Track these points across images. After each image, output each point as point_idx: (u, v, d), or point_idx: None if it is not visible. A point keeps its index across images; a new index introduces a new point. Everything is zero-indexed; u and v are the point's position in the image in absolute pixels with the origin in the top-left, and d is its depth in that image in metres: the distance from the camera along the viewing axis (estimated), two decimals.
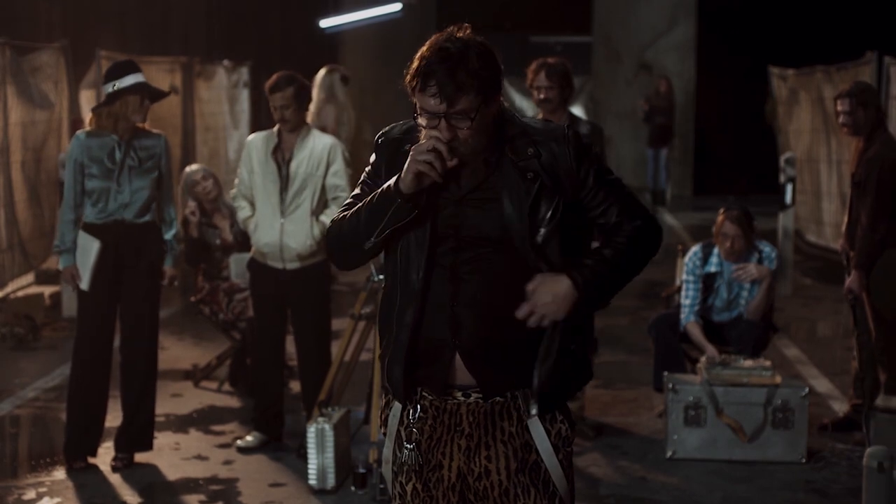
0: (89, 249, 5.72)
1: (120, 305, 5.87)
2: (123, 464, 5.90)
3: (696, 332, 6.52)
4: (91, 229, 5.74)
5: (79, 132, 5.85)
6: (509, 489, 2.97)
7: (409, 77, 2.88)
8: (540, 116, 6.29)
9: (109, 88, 5.67)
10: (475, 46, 2.85)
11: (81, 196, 5.75)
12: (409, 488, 3.04)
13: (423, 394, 3.02)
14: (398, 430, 3.06)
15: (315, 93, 9.09)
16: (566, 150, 2.93)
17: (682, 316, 6.60)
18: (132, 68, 5.73)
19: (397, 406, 3.06)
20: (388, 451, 3.11)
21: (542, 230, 2.90)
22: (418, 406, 3.02)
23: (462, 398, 2.98)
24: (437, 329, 2.94)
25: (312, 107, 8.66)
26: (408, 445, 3.02)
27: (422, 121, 2.89)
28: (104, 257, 5.73)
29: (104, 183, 5.70)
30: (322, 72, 9.51)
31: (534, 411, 2.95)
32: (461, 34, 2.87)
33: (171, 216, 5.96)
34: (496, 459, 2.98)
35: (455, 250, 2.94)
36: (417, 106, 2.88)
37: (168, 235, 5.95)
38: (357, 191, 3.09)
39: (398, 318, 2.97)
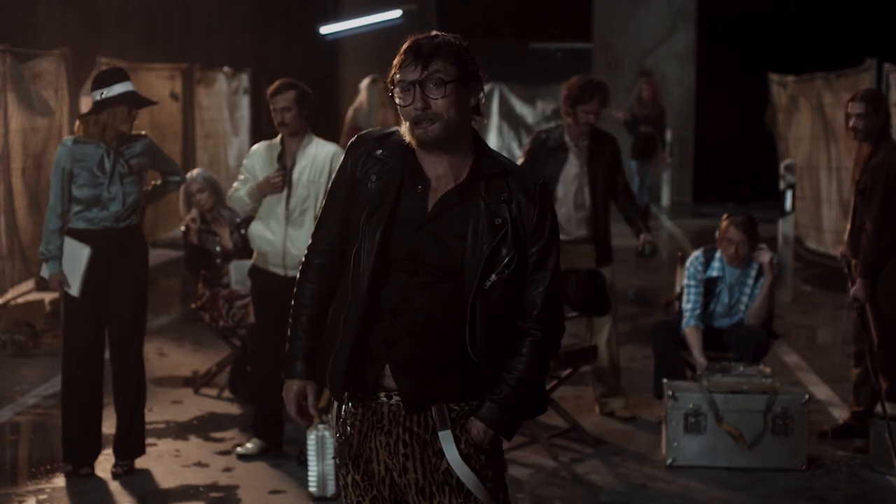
0: (79, 256, 5.69)
1: (109, 311, 5.85)
2: (124, 471, 5.89)
3: (693, 338, 6.50)
4: (80, 235, 5.70)
5: (66, 139, 5.81)
6: (425, 487, 3.07)
7: (392, 69, 2.99)
8: (567, 133, 6.50)
9: (97, 97, 5.65)
10: (457, 39, 3.00)
11: (69, 203, 5.71)
12: (349, 480, 3.16)
13: (354, 390, 3.12)
14: (337, 425, 3.20)
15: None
16: (531, 208, 2.99)
17: (684, 320, 6.59)
18: (120, 76, 5.71)
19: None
20: (336, 445, 3.26)
21: (493, 276, 2.97)
22: (349, 403, 3.14)
23: (385, 399, 3.08)
24: (376, 338, 3.04)
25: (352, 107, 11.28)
26: (339, 438, 3.17)
27: (398, 99, 2.97)
28: (93, 264, 5.72)
29: (94, 191, 5.67)
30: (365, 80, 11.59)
31: (446, 427, 3.03)
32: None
33: (177, 174, 6.15)
34: (412, 458, 3.07)
35: (410, 272, 3.01)
36: (396, 89, 2.96)
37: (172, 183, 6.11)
38: (327, 202, 3.19)
39: (346, 321, 3.06)
